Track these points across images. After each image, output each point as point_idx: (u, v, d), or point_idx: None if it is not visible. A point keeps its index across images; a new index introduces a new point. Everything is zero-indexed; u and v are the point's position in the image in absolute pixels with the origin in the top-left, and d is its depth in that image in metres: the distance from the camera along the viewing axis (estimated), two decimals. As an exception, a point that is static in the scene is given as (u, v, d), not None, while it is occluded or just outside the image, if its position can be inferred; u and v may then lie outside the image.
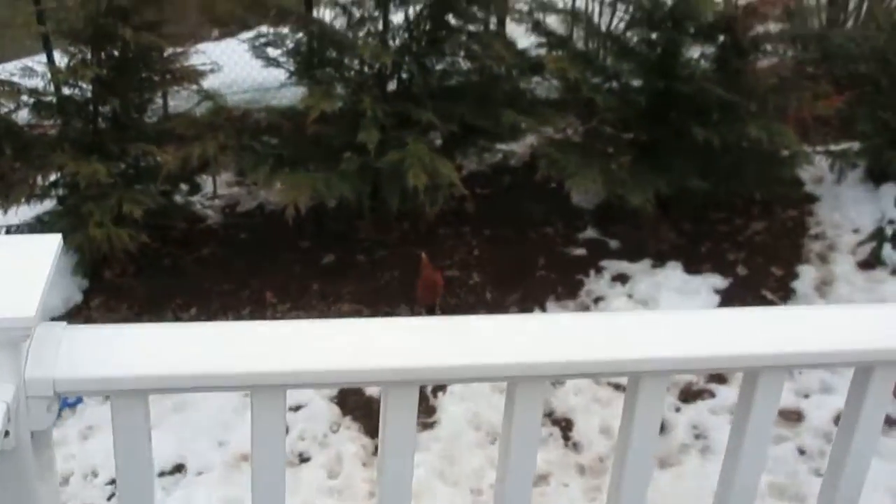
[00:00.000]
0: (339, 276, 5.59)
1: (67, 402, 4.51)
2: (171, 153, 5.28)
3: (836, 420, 3.56)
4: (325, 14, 6.08)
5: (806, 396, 4.62)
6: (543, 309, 5.33)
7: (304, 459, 4.32)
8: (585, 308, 5.34)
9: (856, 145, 6.22)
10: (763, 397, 1.54)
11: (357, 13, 5.75)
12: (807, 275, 5.59)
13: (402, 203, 5.46)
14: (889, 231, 5.69)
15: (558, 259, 5.75)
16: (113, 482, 4.05)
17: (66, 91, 5.52)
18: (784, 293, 5.48)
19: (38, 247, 1.39)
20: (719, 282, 5.54)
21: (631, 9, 6.22)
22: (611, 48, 6.39)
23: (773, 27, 6.06)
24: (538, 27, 6.18)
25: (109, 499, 4.07)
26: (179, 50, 5.71)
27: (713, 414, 4.56)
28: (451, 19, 5.84)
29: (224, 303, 5.38)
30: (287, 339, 1.45)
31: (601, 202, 6.04)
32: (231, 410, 4.48)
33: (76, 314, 5.24)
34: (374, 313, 5.23)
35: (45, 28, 5.78)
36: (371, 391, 4.61)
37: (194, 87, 5.74)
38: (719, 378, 4.75)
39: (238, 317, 5.26)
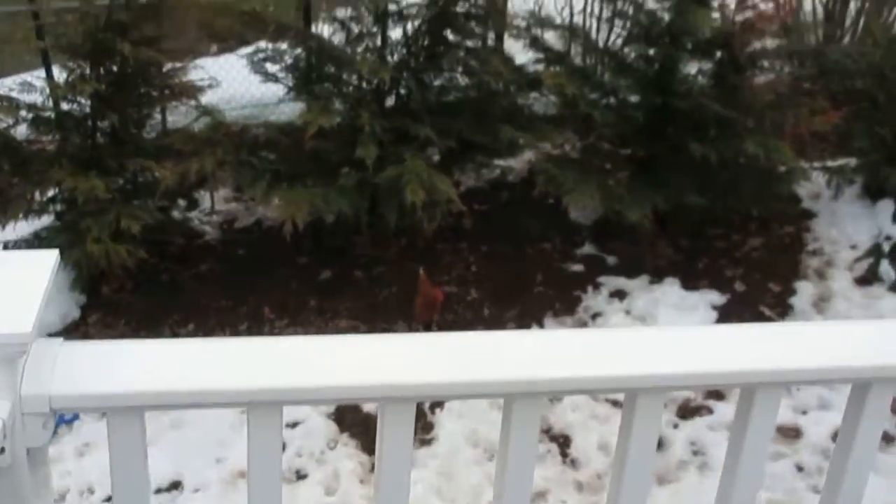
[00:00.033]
0: (337, 291, 5.58)
1: (64, 419, 4.50)
2: (169, 168, 5.28)
3: (835, 436, 3.56)
4: (324, 30, 6.09)
5: (804, 413, 4.62)
6: (541, 325, 5.32)
7: (301, 476, 4.31)
8: (583, 324, 5.34)
9: (853, 161, 6.23)
10: (760, 413, 1.53)
11: (355, 29, 5.77)
12: (804, 291, 5.59)
13: (400, 219, 5.46)
14: (886, 247, 5.70)
15: (556, 275, 5.75)
16: (109, 499, 4.03)
17: (64, 106, 5.52)
18: (782, 309, 5.48)
19: (35, 262, 1.38)
20: (717, 298, 5.54)
21: (628, 25, 6.25)
22: (608, 64, 6.41)
23: (770, 43, 6.07)
24: (536, 43, 6.20)
25: (106, 515, 4.06)
26: (178, 65, 5.71)
27: (711, 430, 4.56)
28: (449, 35, 5.86)
29: (222, 319, 5.37)
30: (283, 355, 1.45)
31: (599, 218, 6.05)
32: (228, 427, 4.46)
33: (74, 330, 5.23)
34: (372, 329, 5.22)
35: (44, 43, 5.78)
36: (369, 408, 4.60)
37: (193, 102, 5.74)
38: (717, 394, 4.75)
39: (236, 333, 5.25)
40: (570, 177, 5.63)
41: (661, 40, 5.82)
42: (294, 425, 4.54)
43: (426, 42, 5.83)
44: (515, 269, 5.78)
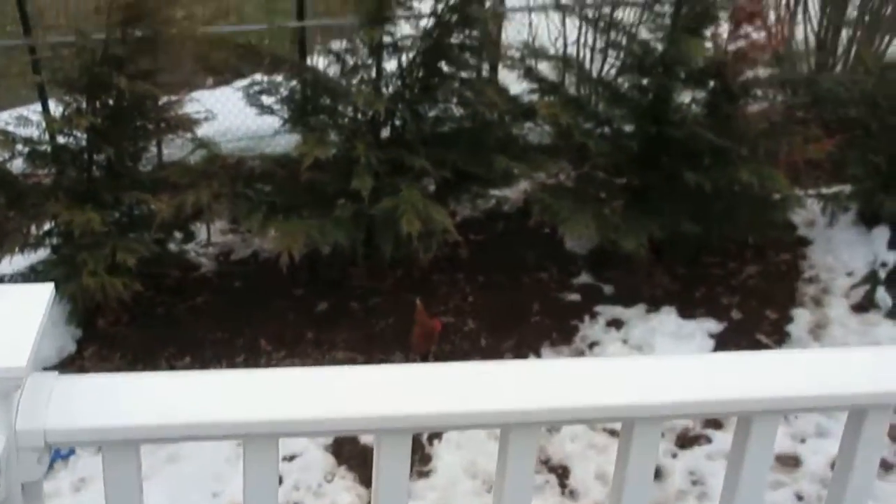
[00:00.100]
0: (334, 323, 5.57)
1: (60, 454, 4.48)
2: (165, 201, 5.28)
3: (834, 465, 3.55)
4: (319, 62, 6.12)
5: (802, 441, 4.60)
6: (538, 355, 5.31)
7: (298, 509, 4.28)
8: (580, 353, 5.33)
9: (847, 188, 6.25)
10: (757, 442, 1.53)
11: (350, 61, 5.79)
12: (801, 318, 5.59)
13: (395, 250, 5.46)
14: (882, 274, 5.70)
15: (553, 305, 5.75)
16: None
17: (60, 140, 5.53)
18: (779, 337, 5.48)
19: (30, 295, 1.38)
20: (714, 326, 5.54)
21: (622, 55, 6.28)
22: (602, 94, 6.44)
23: (763, 72, 6.10)
24: (530, 73, 6.22)
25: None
26: (174, 98, 5.72)
27: (710, 460, 4.54)
28: (444, 66, 5.88)
29: (218, 351, 5.36)
30: (279, 386, 1.45)
31: (594, 247, 6.05)
32: (224, 461, 4.44)
33: (69, 364, 5.21)
34: (369, 360, 5.21)
35: (41, 77, 5.81)
36: (366, 440, 4.58)
37: (189, 135, 5.75)
38: (716, 423, 4.73)
39: (232, 365, 5.23)
40: (565, 206, 5.64)
41: (655, 70, 5.85)
42: (291, 458, 4.52)
43: (421, 73, 5.86)
44: (512, 298, 5.78)
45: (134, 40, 5.40)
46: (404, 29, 5.79)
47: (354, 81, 5.81)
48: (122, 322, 5.51)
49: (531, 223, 5.84)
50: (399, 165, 5.50)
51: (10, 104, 6.41)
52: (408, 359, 5.25)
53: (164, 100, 5.67)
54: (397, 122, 5.89)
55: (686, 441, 4.68)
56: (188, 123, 5.68)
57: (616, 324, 5.57)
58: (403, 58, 5.79)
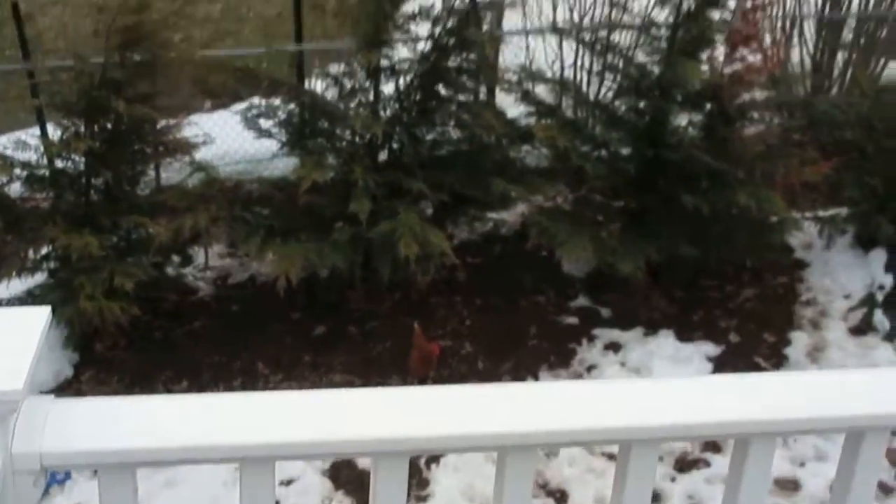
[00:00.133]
0: (331, 346, 5.56)
1: (56, 479, 4.46)
2: (163, 225, 5.28)
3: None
4: (317, 85, 6.13)
5: (801, 465, 4.59)
6: (536, 378, 5.30)
7: (295, 533, 4.26)
8: (578, 377, 5.32)
9: (844, 211, 6.26)
10: (754, 465, 1.53)
11: (348, 84, 5.81)
12: (799, 341, 5.58)
13: (393, 273, 5.46)
14: (879, 297, 5.70)
15: (550, 328, 5.74)
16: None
17: (58, 164, 5.53)
18: (777, 360, 5.47)
19: (27, 319, 1.38)
20: (712, 349, 5.53)
21: (619, 78, 6.30)
22: (599, 117, 6.45)
23: (759, 95, 6.12)
24: (527, 96, 6.24)
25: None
26: (172, 122, 5.73)
27: (708, 483, 4.53)
28: (442, 89, 5.90)
29: (215, 375, 5.35)
30: (275, 409, 1.45)
31: (592, 270, 6.05)
32: (221, 485, 4.42)
33: (66, 388, 5.19)
34: (366, 384, 5.20)
35: (39, 101, 5.82)
36: (364, 464, 4.56)
37: (187, 158, 5.76)
38: (714, 447, 4.72)
39: (230, 388, 5.22)
40: (562, 229, 5.64)
41: (652, 93, 5.87)
42: (289, 482, 4.50)
43: (418, 97, 5.88)
44: (510, 322, 5.77)
45: (132, 64, 5.42)
46: (402, 52, 5.82)
47: (352, 105, 5.83)
48: (119, 346, 5.50)
49: (528, 246, 5.85)
50: (397, 188, 5.51)
51: (8, 128, 6.43)
52: (405, 383, 5.24)
53: (162, 123, 5.68)
54: (395, 146, 5.90)
55: (685, 464, 4.67)
56: (186, 147, 5.69)
57: (614, 347, 5.56)
58: (401, 81, 5.81)
